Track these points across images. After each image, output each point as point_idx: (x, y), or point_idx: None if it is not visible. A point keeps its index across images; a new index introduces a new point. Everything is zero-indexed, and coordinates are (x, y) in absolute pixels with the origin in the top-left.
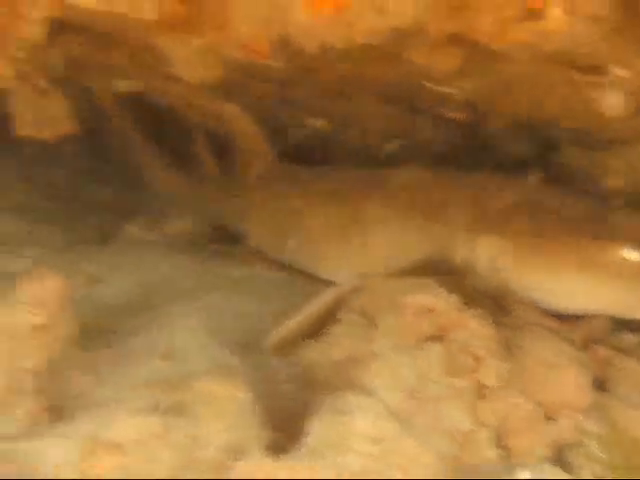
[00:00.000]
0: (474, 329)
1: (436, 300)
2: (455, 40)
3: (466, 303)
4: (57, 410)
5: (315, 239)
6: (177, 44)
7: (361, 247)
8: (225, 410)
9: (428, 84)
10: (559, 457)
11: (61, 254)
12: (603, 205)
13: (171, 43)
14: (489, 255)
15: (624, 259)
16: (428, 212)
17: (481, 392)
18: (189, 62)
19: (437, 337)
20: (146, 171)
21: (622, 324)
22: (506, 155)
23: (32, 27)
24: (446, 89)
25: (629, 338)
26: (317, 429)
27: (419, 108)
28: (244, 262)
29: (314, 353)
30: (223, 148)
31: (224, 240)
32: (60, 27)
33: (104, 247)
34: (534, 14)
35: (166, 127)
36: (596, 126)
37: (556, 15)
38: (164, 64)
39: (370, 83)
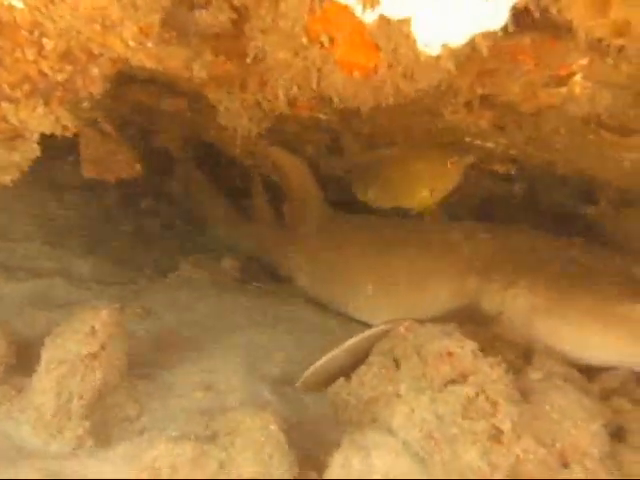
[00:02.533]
0: (489, 375)
1: (454, 345)
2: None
3: (484, 350)
4: (102, 435)
5: (356, 285)
6: (226, 98)
7: (398, 294)
8: (255, 440)
9: (468, 138)
10: None
11: (120, 289)
12: (631, 262)
13: (221, 97)
14: (519, 308)
15: None
16: (463, 263)
17: (496, 436)
18: (238, 115)
19: (456, 381)
20: (206, 214)
21: None
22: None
23: (96, 83)
24: (485, 143)
25: None
26: (338, 464)
27: None
28: (289, 303)
29: (344, 392)
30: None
31: (271, 281)
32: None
33: (160, 283)
34: (559, 80)
35: (227, 173)
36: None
37: (579, 81)
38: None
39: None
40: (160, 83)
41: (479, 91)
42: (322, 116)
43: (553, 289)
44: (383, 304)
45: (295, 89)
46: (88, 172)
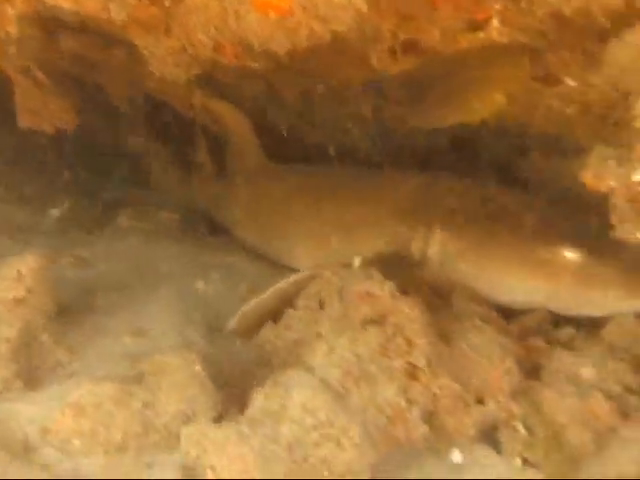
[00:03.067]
0: (407, 315)
1: (373, 286)
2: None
3: (405, 292)
4: (32, 379)
5: (287, 233)
6: (151, 44)
7: (330, 241)
8: (179, 380)
9: None
10: (488, 437)
11: (57, 239)
12: (552, 208)
13: (147, 43)
14: (442, 252)
15: (566, 258)
16: (390, 210)
17: (413, 373)
18: (164, 61)
19: (376, 321)
20: (147, 166)
21: (564, 318)
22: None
23: (12, 23)
24: None
25: (567, 331)
26: (259, 401)
27: None
28: (225, 252)
29: (271, 335)
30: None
31: (210, 231)
32: (57, 26)
33: (99, 234)
34: (477, 25)
35: (169, 125)
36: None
37: (496, 26)
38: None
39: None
40: (94, 32)
41: (401, 36)
42: (255, 65)
43: (475, 233)
44: (316, 252)
45: (213, 31)
46: (23, 122)
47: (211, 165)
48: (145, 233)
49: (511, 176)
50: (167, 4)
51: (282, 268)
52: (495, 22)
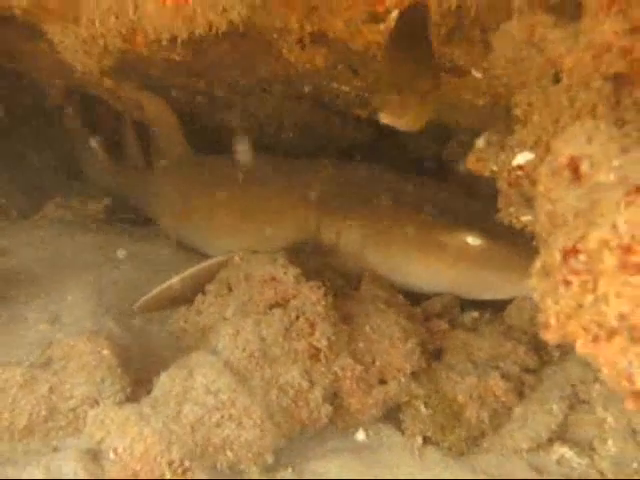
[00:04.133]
0: (309, 298)
1: (277, 271)
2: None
3: (310, 276)
4: None
5: (206, 222)
6: (60, 32)
7: (247, 229)
8: (87, 364)
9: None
10: (390, 416)
11: None
12: (454, 195)
13: (56, 31)
14: (351, 239)
15: (465, 244)
16: (303, 199)
17: (315, 355)
18: (74, 50)
19: (280, 304)
20: (77, 157)
21: (471, 303)
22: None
23: None
24: (341, 86)
25: (471, 315)
26: (164, 383)
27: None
28: (147, 241)
29: (181, 320)
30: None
31: (134, 221)
32: None
33: (21, 224)
34: (377, 16)
35: (101, 117)
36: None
37: (395, 18)
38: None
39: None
40: (18, 24)
41: (308, 28)
42: (176, 57)
43: (379, 221)
44: (233, 241)
45: (113, 19)
46: None
47: (138, 155)
48: (68, 223)
49: (433, 166)
50: None
51: (204, 258)
52: (394, 14)
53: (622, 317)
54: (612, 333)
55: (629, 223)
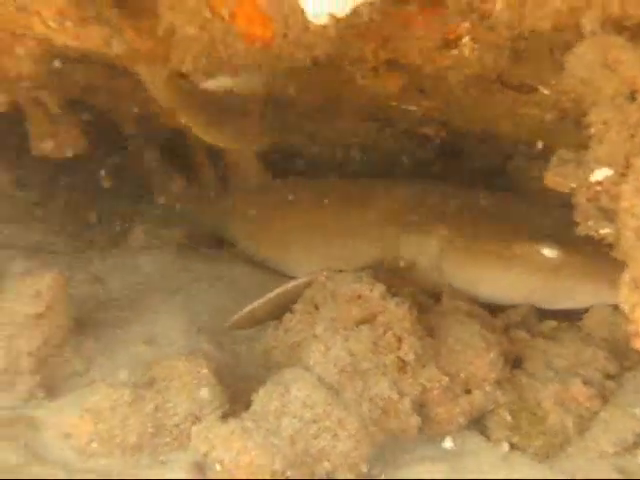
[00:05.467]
0: (395, 313)
1: (363, 288)
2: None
3: (393, 292)
4: (52, 389)
5: (287, 244)
6: (149, 72)
7: (328, 250)
8: (188, 383)
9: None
10: (476, 424)
11: (73, 258)
12: (532, 207)
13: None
14: (431, 254)
15: (542, 256)
16: (382, 217)
17: (403, 367)
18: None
19: (367, 320)
20: (155, 185)
21: (549, 312)
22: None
23: (23, 63)
24: (409, 107)
25: (549, 324)
26: (262, 398)
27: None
28: (229, 264)
29: (272, 339)
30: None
31: (214, 246)
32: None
33: (110, 251)
34: (449, 43)
35: (175, 143)
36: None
37: (467, 44)
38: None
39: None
40: (102, 63)
41: (383, 56)
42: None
43: (458, 236)
44: (313, 260)
45: (204, 60)
46: (36, 149)
47: (213, 181)
48: (154, 248)
49: (499, 180)
50: (161, 35)
51: (286, 278)
52: (466, 40)
53: None
54: None
55: None
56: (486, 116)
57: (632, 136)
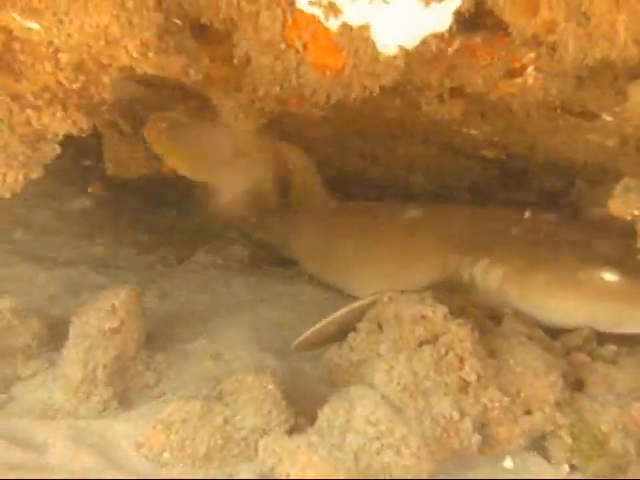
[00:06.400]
0: (457, 334)
1: (426, 309)
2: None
3: (456, 314)
4: (125, 400)
5: (349, 264)
6: (224, 98)
7: (388, 271)
8: (255, 398)
9: (455, 127)
10: (536, 445)
11: (141, 274)
12: (592, 232)
13: (220, 97)
14: (491, 277)
15: (604, 281)
16: (441, 241)
17: (465, 388)
18: (235, 112)
19: (429, 341)
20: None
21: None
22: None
23: (107, 90)
24: (470, 131)
25: (609, 348)
26: (327, 414)
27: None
28: (292, 283)
29: (336, 357)
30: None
31: (277, 264)
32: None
33: (177, 269)
34: (514, 72)
35: None
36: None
37: (531, 73)
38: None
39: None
40: (171, 87)
41: (448, 84)
42: (319, 112)
43: (518, 259)
44: (375, 281)
45: (277, 88)
46: (111, 170)
47: (277, 204)
48: (219, 266)
49: (560, 204)
50: (236, 64)
51: (346, 297)
52: (530, 69)
53: None
54: None
55: None
56: (547, 141)
57: None
